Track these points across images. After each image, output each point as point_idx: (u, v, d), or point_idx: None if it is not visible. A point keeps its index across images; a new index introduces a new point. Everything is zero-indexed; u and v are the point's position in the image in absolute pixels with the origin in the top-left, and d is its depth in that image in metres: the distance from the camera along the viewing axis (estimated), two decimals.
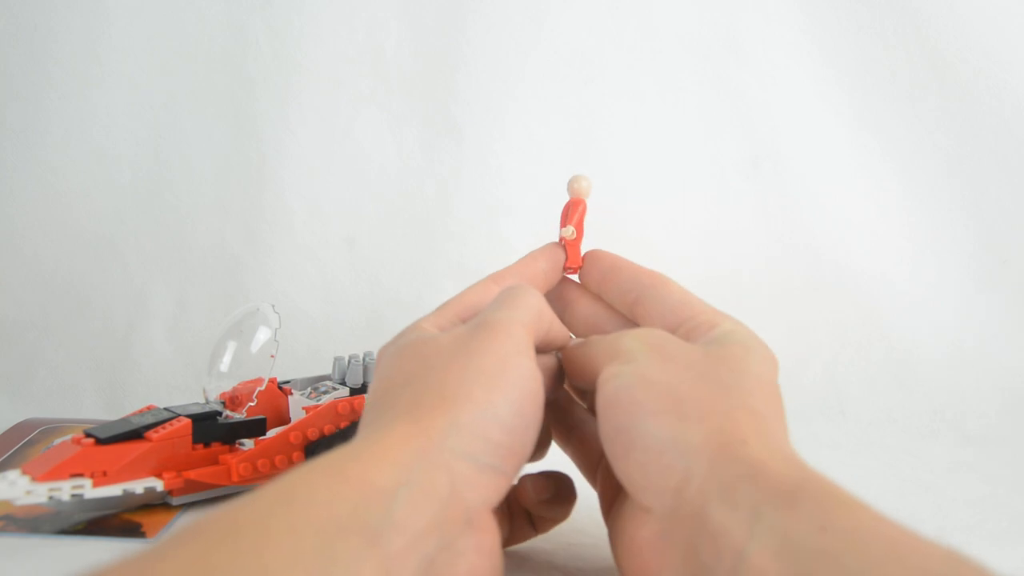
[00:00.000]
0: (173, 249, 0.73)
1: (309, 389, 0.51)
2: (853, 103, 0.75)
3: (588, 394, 0.39)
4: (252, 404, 0.47)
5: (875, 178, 0.75)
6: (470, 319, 0.36)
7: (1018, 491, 0.52)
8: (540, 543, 0.42)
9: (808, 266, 0.74)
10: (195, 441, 0.45)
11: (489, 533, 0.30)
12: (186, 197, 0.74)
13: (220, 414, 0.47)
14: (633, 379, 0.31)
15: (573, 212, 0.42)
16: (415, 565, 0.27)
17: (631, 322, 0.39)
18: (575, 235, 0.42)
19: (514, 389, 0.31)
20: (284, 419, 0.49)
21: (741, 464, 0.28)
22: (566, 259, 0.42)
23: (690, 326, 0.35)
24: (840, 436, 0.63)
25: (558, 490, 0.37)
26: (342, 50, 0.75)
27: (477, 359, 0.31)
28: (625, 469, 0.31)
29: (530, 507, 0.37)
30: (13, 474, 0.41)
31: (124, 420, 0.45)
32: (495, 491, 0.30)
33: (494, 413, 0.30)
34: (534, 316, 0.34)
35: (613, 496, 0.35)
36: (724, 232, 0.75)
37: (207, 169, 0.75)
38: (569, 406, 0.40)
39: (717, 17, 0.75)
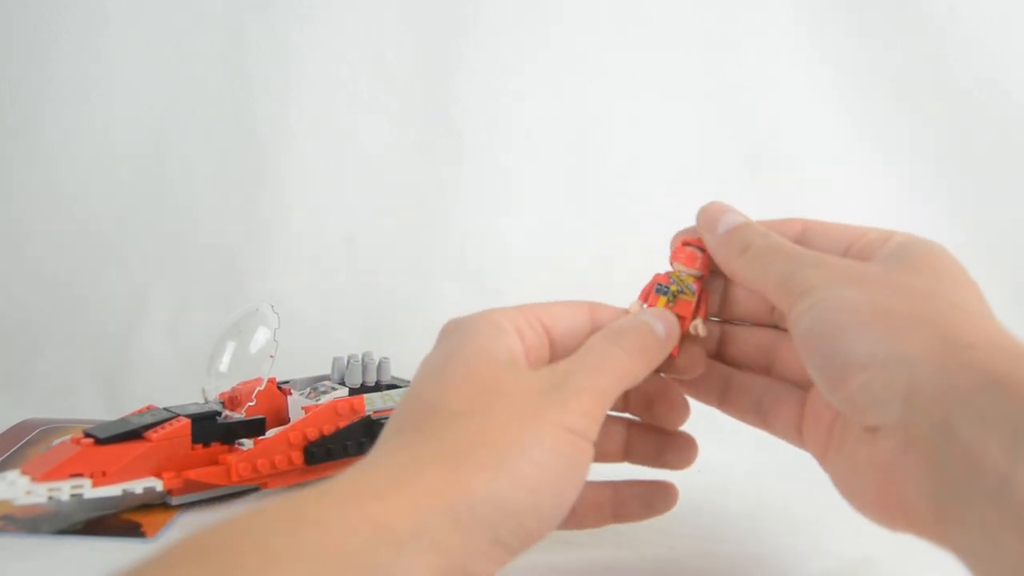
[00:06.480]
0: (173, 249, 0.73)
1: (308, 389, 0.51)
2: (853, 103, 0.75)
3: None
4: (251, 404, 0.47)
5: (874, 178, 0.75)
6: (552, 330, 0.34)
7: None
8: (539, 542, 0.41)
9: None
10: (194, 441, 0.45)
11: None
12: (186, 197, 0.74)
13: (219, 414, 0.47)
14: (829, 305, 0.30)
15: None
16: None
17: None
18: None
19: (565, 484, 0.30)
20: (283, 419, 0.49)
21: (974, 372, 0.26)
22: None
23: (860, 245, 0.34)
24: None
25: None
26: (342, 50, 0.75)
27: (543, 433, 0.29)
28: (845, 394, 0.29)
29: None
30: (13, 474, 0.41)
31: (123, 420, 0.45)
32: (497, 564, 0.29)
33: (537, 502, 0.29)
34: (616, 387, 0.32)
35: (826, 434, 0.33)
36: None
37: (207, 169, 0.75)
38: (712, 373, 0.38)
39: (717, 17, 0.75)
